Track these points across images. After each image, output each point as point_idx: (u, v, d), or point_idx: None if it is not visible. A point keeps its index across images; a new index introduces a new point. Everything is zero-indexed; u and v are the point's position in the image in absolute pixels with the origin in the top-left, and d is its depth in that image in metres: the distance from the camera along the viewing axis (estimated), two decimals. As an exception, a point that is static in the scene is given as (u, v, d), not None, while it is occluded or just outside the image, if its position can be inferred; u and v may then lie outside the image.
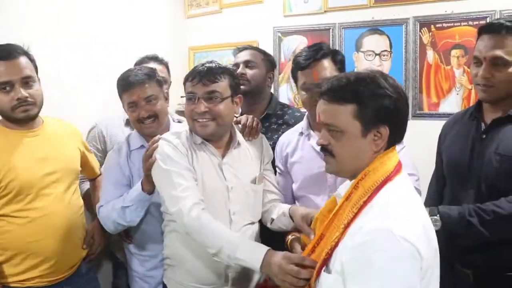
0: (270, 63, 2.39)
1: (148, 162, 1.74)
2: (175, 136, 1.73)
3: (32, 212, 1.83)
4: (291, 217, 1.70)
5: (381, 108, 1.21)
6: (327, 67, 1.78)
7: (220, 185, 1.70)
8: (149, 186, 1.79)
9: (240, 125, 1.89)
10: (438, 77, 2.76)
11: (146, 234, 2.02)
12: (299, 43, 3.12)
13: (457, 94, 2.70)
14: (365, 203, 1.18)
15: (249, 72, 2.31)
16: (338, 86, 1.24)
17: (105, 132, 2.40)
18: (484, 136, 1.73)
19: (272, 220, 1.78)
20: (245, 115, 1.94)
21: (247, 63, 2.34)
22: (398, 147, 1.33)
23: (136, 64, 2.47)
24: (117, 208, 1.86)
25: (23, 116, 1.83)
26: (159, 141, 1.73)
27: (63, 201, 1.92)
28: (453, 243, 1.70)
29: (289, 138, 1.96)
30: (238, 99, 1.76)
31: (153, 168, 1.71)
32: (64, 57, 2.59)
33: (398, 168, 1.26)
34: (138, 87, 1.92)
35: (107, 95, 2.28)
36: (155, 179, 1.71)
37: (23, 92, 1.79)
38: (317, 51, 1.80)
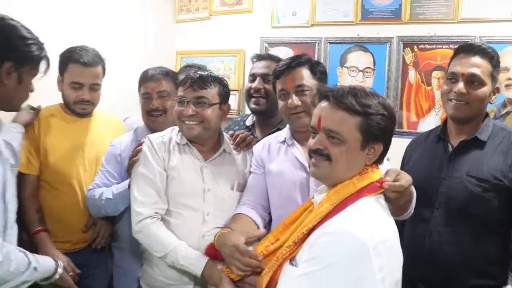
0: None
1: (131, 161, 1.85)
2: (161, 135, 1.82)
3: (61, 186, 2.09)
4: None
5: (381, 126, 1.27)
6: (304, 76, 1.75)
7: (197, 186, 1.76)
8: None
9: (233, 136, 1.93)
10: (418, 97, 2.82)
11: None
12: (285, 55, 3.15)
13: (436, 114, 2.77)
14: (328, 215, 1.23)
15: (266, 87, 2.22)
16: (349, 94, 1.27)
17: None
18: (452, 158, 1.77)
19: None
20: (242, 131, 1.99)
21: (264, 77, 2.25)
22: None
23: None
24: (103, 199, 1.98)
25: (80, 112, 2.14)
26: (145, 139, 1.82)
27: (87, 185, 2.11)
28: (416, 264, 1.74)
29: (269, 142, 1.90)
30: (226, 107, 1.83)
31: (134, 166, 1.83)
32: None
33: (375, 186, 1.28)
34: (154, 81, 2.11)
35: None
36: (131, 175, 1.83)
37: (88, 96, 2.10)
38: (293, 59, 1.79)
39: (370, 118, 1.26)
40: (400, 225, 1.70)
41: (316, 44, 3.08)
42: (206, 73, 1.78)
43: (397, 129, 2.83)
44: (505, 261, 1.76)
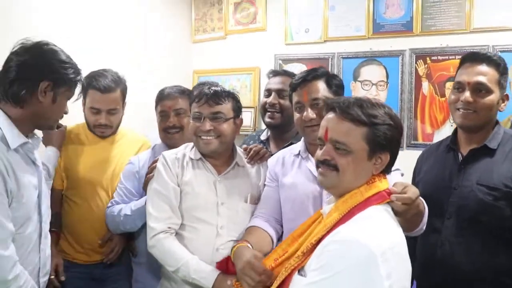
0: None
1: (147, 178, 1.93)
2: (174, 152, 1.87)
3: (79, 201, 2.19)
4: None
5: (388, 136, 1.29)
6: (319, 89, 1.77)
7: (211, 200, 1.80)
8: None
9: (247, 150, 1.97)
10: (432, 108, 2.82)
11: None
12: (299, 71, 3.17)
13: (451, 125, 2.75)
14: (337, 224, 1.24)
15: (281, 102, 2.27)
16: (355, 105, 1.30)
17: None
18: (462, 167, 1.76)
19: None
20: (255, 144, 2.04)
21: (279, 92, 2.30)
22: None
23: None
24: (122, 215, 2.04)
25: (99, 135, 2.26)
26: (160, 156, 1.88)
27: (103, 201, 2.19)
28: (428, 275, 1.73)
29: (283, 155, 1.92)
30: (239, 121, 1.88)
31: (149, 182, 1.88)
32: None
33: (383, 196, 1.29)
34: (170, 99, 2.16)
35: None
36: (147, 191, 1.89)
37: (104, 120, 2.20)
38: (310, 72, 1.82)
39: (376, 128, 1.27)
40: (413, 244, 1.71)
41: (330, 59, 3.12)
42: (219, 88, 1.83)
43: (412, 141, 2.86)
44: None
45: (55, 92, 1.56)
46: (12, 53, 1.55)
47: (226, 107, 1.80)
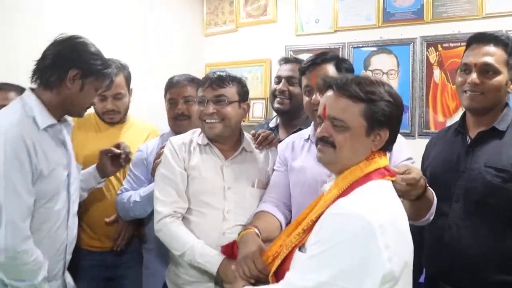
0: None
1: (155, 164, 1.95)
2: (181, 137, 1.90)
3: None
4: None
5: (386, 113, 1.28)
6: (328, 72, 1.76)
7: (218, 184, 1.81)
8: None
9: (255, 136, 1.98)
10: (444, 96, 2.78)
11: None
12: (310, 61, 3.21)
13: (464, 113, 2.71)
14: (336, 200, 1.24)
15: (291, 89, 2.31)
16: (353, 82, 1.30)
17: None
18: (470, 150, 1.73)
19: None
20: (263, 130, 2.05)
21: (289, 80, 2.33)
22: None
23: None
24: (131, 202, 2.07)
25: (109, 121, 2.32)
26: (167, 142, 1.90)
27: (115, 187, 2.24)
28: (436, 259, 1.71)
29: (293, 140, 1.92)
30: (245, 105, 1.88)
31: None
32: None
33: (383, 172, 1.29)
34: (179, 87, 2.18)
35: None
36: (155, 177, 1.91)
37: (111, 105, 2.25)
38: (319, 56, 1.81)
39: (374, 104, 1.27)
40: (420, 229, 1.69)
41: (340, 49, 3.11)
42: (224, 73, 1.84)
43: (424, 130, 2.82)
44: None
45: (83, 81, 1.69)
46: (50, 44, 1.71)
47: (230, 91, 1.81)
